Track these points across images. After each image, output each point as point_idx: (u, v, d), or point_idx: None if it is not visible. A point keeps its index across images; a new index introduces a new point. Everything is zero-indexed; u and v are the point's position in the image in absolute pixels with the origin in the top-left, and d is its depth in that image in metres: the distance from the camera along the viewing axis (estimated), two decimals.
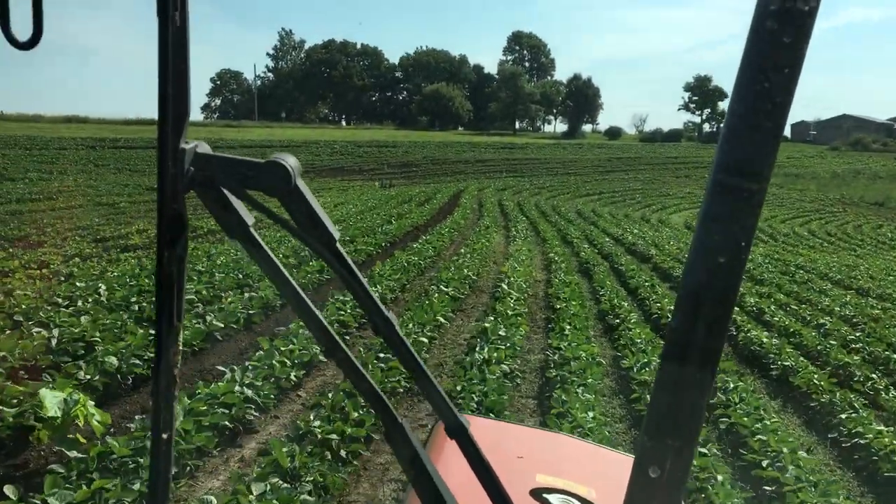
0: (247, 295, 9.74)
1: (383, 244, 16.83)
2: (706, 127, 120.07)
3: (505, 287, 11.93)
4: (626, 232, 26.17)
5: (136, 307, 8.94)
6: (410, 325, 8.62)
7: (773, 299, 14.50)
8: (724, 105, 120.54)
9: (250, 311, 9.03)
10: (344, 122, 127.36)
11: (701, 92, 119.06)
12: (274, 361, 6.79)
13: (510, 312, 9.88)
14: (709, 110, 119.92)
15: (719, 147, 0.68)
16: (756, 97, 0.65)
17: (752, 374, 9.40)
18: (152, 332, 7.27)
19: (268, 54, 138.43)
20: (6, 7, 0.74)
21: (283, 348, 7.24)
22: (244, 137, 73.30)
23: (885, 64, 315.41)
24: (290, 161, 0.81)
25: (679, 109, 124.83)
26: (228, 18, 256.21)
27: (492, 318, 9.50)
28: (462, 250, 16.40)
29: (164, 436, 0.89)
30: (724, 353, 10.20)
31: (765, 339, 10.39)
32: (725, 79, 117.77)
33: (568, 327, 9.50)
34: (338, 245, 0.86)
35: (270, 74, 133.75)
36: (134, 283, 10.27)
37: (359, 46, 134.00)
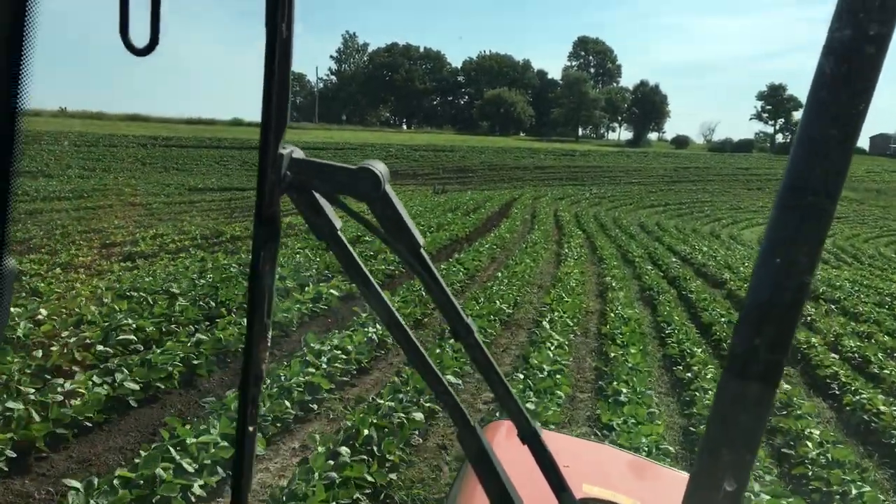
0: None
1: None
2: (779, 137, 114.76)
3: (546, 326, 9.64)
4: (694, 250, 23.57)
5: None
6: (409, 389, 6.40)
7: (875, 342, 11.85)
8: (798, 115, 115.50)
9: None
10: (405, 126, 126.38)
11: (774, 101, 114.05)
12: None
13: (547, 368, 7.57)
14: (782, 120, 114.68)
15: (790, 161, 0.69)
16: (829, 112, 0.67)
17: (869, 455, 7.01)
18: None
19: (331, 57, 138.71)
20: (126, 13, 0.76)
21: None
22: (300, 139, 72.65)
23: None
24: (380, 167, 0.85)
25: (751, 119, 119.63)
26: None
27: (522, 376, 7.23)
28: (501, 273, 14.01)
29: (251, 429, 0.92)
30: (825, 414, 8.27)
31: (882, 407, 7.90)
32: (798, 88, 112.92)
33: (625, 389, 7.20)
34: (422, 251, 0.89)
35: (333, 77, 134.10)
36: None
37: (421, 50, 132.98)
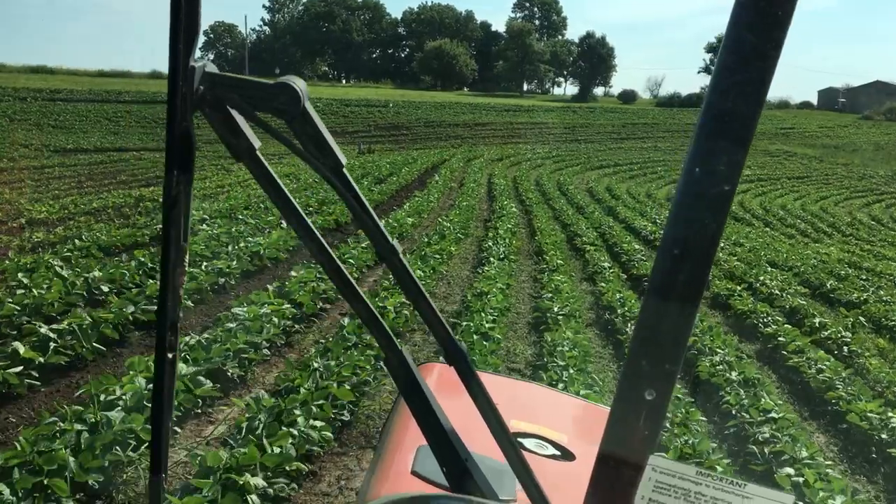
0: None
1: (237, 273, 8.98)
2: None
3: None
4: (658, 227, 19.11)
5: None
6: None
7: None
8: None
9: None
10: (344, 81, 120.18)
11: None
12: None
13: None
14: None
15: (708, 93, 0.72)
16: (744, 52, 0.70)
17: None
18: None
19: (264, 6, 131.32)
20: None
21: None
22: None
23: None
24: (300, 84, 0.82)
25: (699, 72, 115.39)
26: None
27: None
28: (380, 289, 8.67)
29: (170, 356, 0.90)
30: None
31: None
32: None
33: None
34: (344, 170, 0.88)
35: (266, 28, 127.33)
36: None
37: (359, 0, 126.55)
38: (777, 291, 11.53)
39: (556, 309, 8.42)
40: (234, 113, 0.82)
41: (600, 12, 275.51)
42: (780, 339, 8.55)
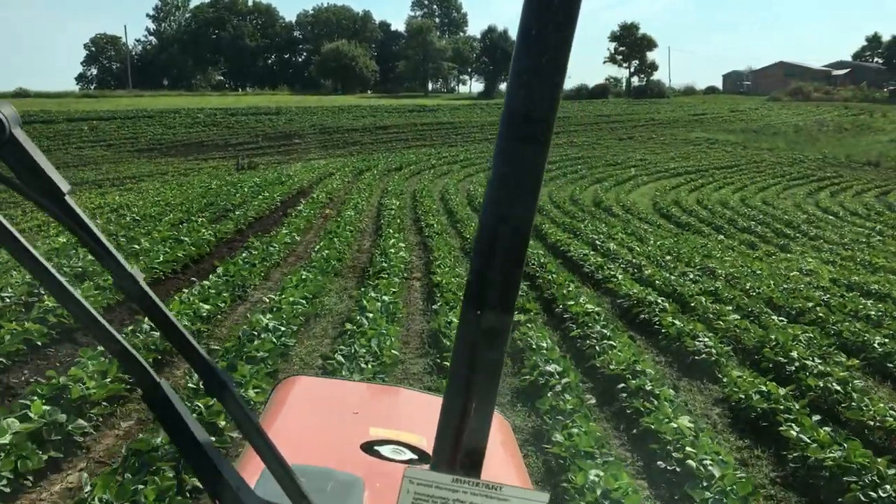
0: None
1: None
2: (635, 80, 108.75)
3: None
4: (598, 253, 14.35)
5: None
6: None
7: None
8: (653, 56, 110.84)
9: None
10: (240, 90, 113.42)
11: (627, 41, 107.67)
12: None
13: None
14: (637, 62, 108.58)
15: (507, 94, 0.74)
16: (538, 43, 0.72)
17: None
18: None
19: (148, 15, 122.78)
20: None
21: None
22: (101, 108, 59.81)
23: (814, 9, 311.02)
24: (5, 109, 0.75)
25: (605, 62, 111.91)
26: None
27: None
28: None
29: None
30: None
31: None
32: (648, 29, 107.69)
33: None
34: (68, 198, 0.79)
35: (153, 38, 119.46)
36: None
37: (250, 4, 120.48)
38: (840, 392, 6.80)
39: None
40: None
41: (501, 6, 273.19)
42: None
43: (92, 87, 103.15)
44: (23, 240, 0.78)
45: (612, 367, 7.02)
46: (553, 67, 0.71)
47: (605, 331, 8.16)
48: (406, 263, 11.43)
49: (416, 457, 1.68)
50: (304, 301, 7.85)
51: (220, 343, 6.89)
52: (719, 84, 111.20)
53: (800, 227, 23.09)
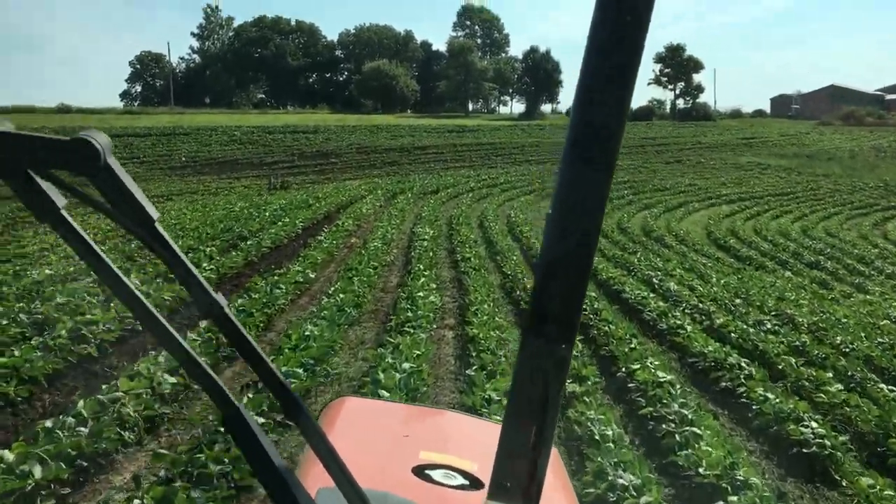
0: None
1: None
2: (680, 103, 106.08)
3: None
4: (653, 289, 12.52)
5: None
6: None
7: None
8: (699, 77, 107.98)
9: None
10: (281, 108, 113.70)
11: (673, 63, 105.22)
12: None
13: None
14: (682, 84, 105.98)
15: (572, 117, 0.73)
16: (604, 70, 0.71)
17: None
18: None
19: (192, 34, 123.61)
20: None
21: None
22: (139, 125, 59.44)
23: (869, 31, 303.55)
24: (100, 138, 0.77)
25: (649, 84, 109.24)
26: None
27: None
28: None
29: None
30: None
31: None
32: (693, 50, 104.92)
33: None
34: (157, 225, 0.81)
35: (196, 56, 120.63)
36: None
37: (293, 23, 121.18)
38: None
39: None
40: (32, 173, 0.77)
41: (543, 27, 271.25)
42: None
43: (135, 104, 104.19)
44: (106, 258, 0.80)
45: (702, 471, 5.28)
46: (621, 83, 0.70)
47: (685, 410, 6.39)
48: (437, 309, 9.74)
49: (467, 482, 1.64)
50: (301, 370, 6.18)
51: (170, 448, 5.04)
52: (766, 107, 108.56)
53: (873, 262, 20.98)
